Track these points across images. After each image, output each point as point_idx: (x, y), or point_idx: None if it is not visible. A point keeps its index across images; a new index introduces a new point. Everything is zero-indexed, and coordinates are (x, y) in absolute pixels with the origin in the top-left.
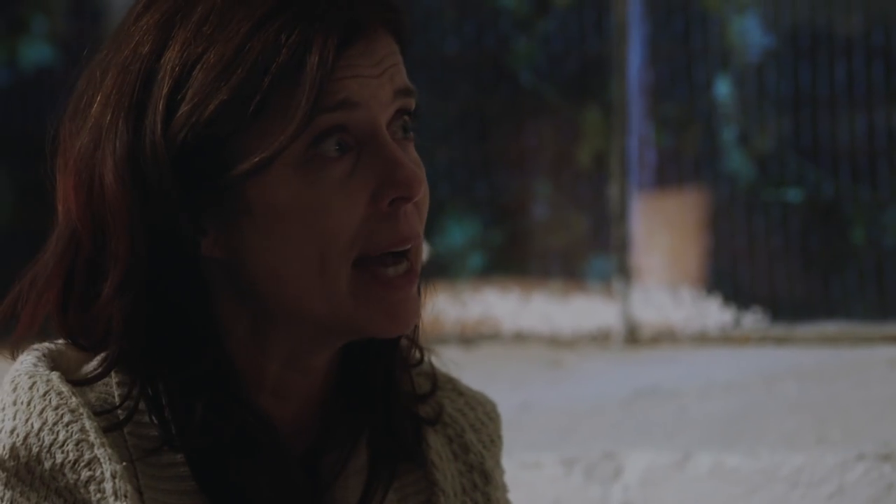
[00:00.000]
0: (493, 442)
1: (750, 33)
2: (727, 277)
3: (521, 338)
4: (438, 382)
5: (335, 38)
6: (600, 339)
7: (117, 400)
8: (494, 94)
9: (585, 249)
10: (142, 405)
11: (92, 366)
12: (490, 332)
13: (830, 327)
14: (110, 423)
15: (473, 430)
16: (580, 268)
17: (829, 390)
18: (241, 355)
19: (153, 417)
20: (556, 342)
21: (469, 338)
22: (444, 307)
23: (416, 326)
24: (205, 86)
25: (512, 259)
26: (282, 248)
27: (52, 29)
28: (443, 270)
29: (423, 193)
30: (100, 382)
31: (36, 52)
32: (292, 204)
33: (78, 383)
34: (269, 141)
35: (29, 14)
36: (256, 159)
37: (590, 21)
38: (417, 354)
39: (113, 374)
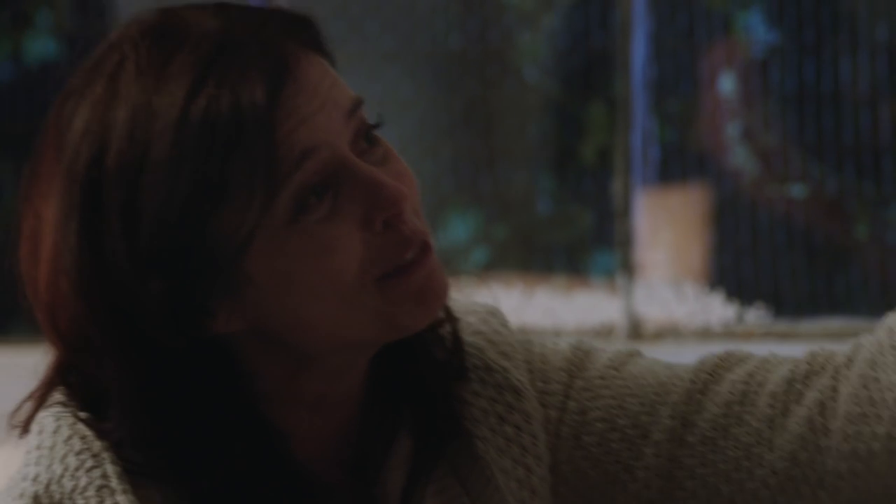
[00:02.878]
0: (514, 347)
1: (754, 29)
2: (730, 273)
3: (524, 333)
4: (454, 315)
5: (262, 91)
6: (603, 334)
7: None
8: (499, 89)
9: (589, 245)
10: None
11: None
12: None
13: (834, 323)
14: (158, 467)
15: (492, 344)
16: (584, 263)
17: None
18: (275, 398)
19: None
20: (559, 337)
21: None
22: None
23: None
24: (157, 189)
25: (516, 254)
26: (298, 302)
27: (56, 24)
28: (446, 265)
29: (411, 189)
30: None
31: (40, 46)
32: (290, 260)
33: (103, 432)
34: (244, 217)
35: (33, 9)
36: (239, 239)
37: (594, 17)
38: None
39: None
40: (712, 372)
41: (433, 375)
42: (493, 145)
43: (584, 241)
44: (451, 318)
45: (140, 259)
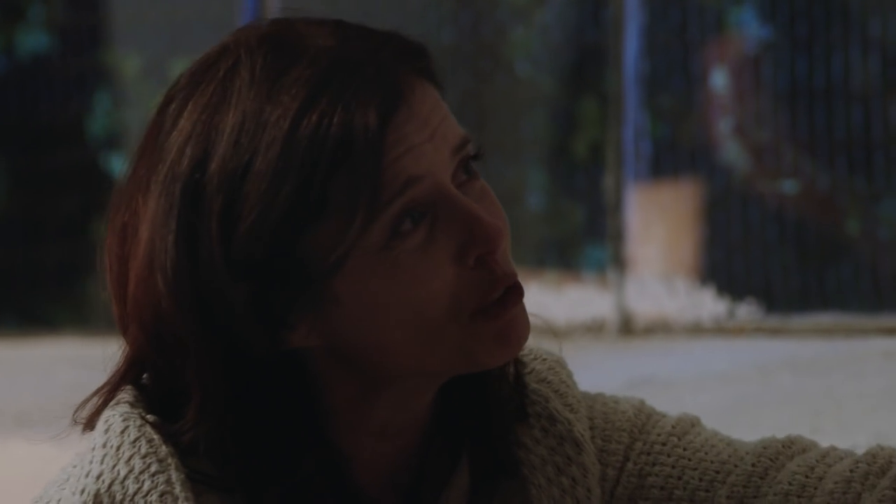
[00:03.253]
0: (579, 401)
1: (747, 24)
2: (722, 268)
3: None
4: (520, 359)
5: (375, 115)
6: (595, 329)
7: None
8: (492, 83)
9: (580, 240)
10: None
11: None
12: None
13: (825, 319)
14: (225, 483)
15: (558, 395)
16: (575, 258)
17: (823, 382)
18: (342, 419)
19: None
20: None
21: None
22: None
23: None
24: (259, 198)
25: None
26: (381, 327)
27: (48, 17)
28: None
29: (505, 228)
30: None
31: (32, 39)
32: (380, 285)
33: (179, 442)
34: (341, 235)
35: (26, 2)
36: (333, 258)
37: (587, 12)
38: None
39: None
40: (774, 458)
41: (496, 412)
42: (485, 140)
43: (576, 236)
44: (516, 359)
45: (233, 264)
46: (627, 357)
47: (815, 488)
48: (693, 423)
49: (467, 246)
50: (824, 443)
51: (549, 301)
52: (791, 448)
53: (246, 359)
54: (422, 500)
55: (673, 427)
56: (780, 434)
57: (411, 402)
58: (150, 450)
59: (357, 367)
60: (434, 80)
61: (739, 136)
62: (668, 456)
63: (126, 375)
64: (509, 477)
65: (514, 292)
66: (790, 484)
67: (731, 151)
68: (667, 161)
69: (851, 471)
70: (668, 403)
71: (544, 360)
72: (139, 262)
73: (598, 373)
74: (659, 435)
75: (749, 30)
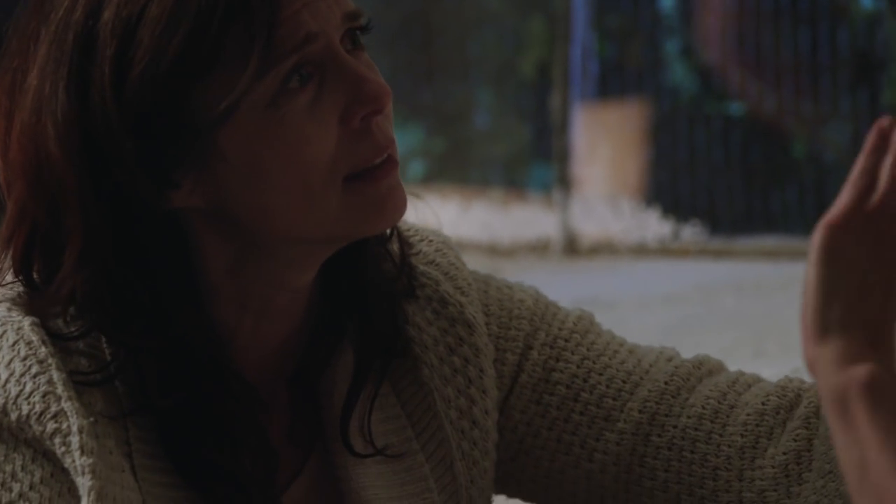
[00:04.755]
0: (469, 284)
1: None
2: (667, 190)
3: (460, 246)
4: (406, 240)
5: None
6: (539, 248)
7: (108, 355)
8: (439, 2)
9: (526, 159)
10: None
11: (68, 315)
12: None
13: (769, 241)
14: (104, 375)
15: (448, 278)
16: (521, 177)
17: (766, 304)
18: (221, 291)
19: (126, 380)
20: (495, 251)
21: None
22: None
23: None
24: (152, 43)
25: (453, 167)
26: (264, 186)
27: None
28: None
29: (389, 96)
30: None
31: None
32: (265, 142)
33: (61, 337)
34: (231, 86)
35: None
36: (221, 107)
37: None
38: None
39: None
40: (686, 378)
41: (380, 290)
42: (431, 58)
43: (522, 156)
44: (400, 237)
45: (123, 109)
46: (572, 277)
47: (728, 416)
48: (591, 322)
49: (354, 104)
50: (768, 364)
51: (494, 220)
52: (700, 369)
53: (128, 212)
54: (304, 382)
55: (574, 324)
56: (724, 354)
57: (290, 277)
58: (30, 352)
59: (236, 232)
60: None
61: (686, 57)
62: (573, 353)
63: (10, 239)
64: (400, 355)
65: (388, 163)
66: (703, 408)
67: (678, 73)
68: (614, 81)
69: (763, 403)
70: (612, 323)
71: (430, 241)
72: (26, 110)
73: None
74: (560, 329)
75: None
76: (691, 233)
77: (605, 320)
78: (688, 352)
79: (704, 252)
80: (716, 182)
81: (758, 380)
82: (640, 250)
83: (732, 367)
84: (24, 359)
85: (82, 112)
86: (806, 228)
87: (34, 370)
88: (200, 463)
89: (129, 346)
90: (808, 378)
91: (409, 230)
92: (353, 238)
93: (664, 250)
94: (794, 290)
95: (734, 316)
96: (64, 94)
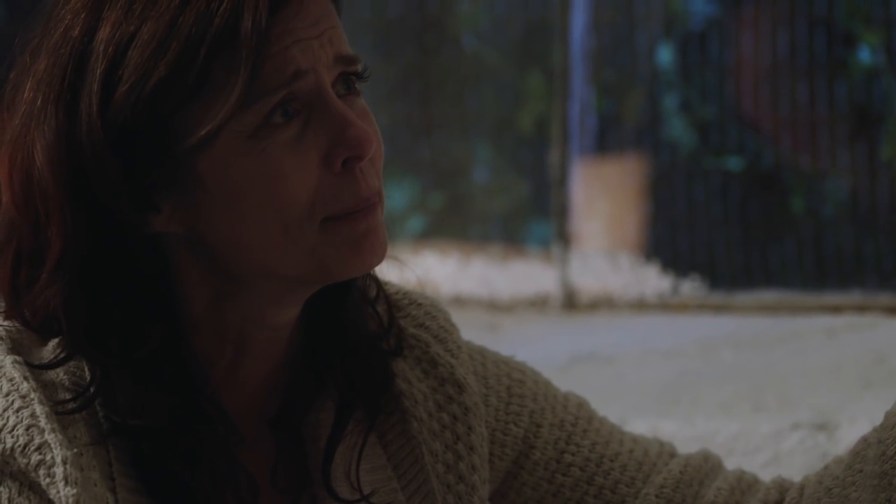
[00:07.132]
0: (460, 348)
1: (693, 1)
2: (666, 244)
3: (459, 301)
4: (395, 303)
5: (266, 3)
6: (538, 304)
7: (88, 378)
8: (437, 57)
9: (525, 214)
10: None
11: (50, 348)
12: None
13: (768, 296)
14: (84, 399)
15: (438, 340)
16: (520, 233)
17: (765, 359)
18: (202, 322)
19: (106, 402)
20: (494, 306)
21: None
22: (382, 269)
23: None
24: (141, 64)
25: (452, 223)
26: (240, 218)
27: None
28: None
29: (377, 147)
30: (71, 363)
31: None
32: (244, 173)
33: (41, 366)
34: (214, 113)
35: None
36: (203, 132)
37: None
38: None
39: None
40: (698, 469)
41: (363, 342)
42: (430, 113)
43: (521, 211)
44: (386, 297)
45: (108, 129)
46: (570, 332)
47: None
48: (589, 407)
49: (337, 147)
50: (767, 419)
51: (493, 275)
52: (708, 462)
53: (107, 228)
54: (287, 425)
55: (577, 409)
56: (723, 410)
57: (269, 313)
58: (12, 388)
59: (213, 263)
60: (336, 0)
61: (685, 112)
62: (582, 438)
63: (7, 245)
64: (381, 411)
65: (371, 207)
66: (715, 498)
67: (676, 128)
68: (612, 136)
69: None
70: (611, 379)
71: (420, 304)
72: (18, 121)
73: (541, 347)
74: (565, 412)
75: (695, 5)
76: (690, 288)
77: (604, 376)
78: (687, 406)
79: (703, 307)
80: (715, 237)
81: (755, 479)
82: (640, 305)
83: (731, 421)
84: (7, 395)
85: (69, 126)
86: (804, 283)
87: (17, 405)
88: (178, 490)
89: (103, 364)
90: (809, 430)
91: (397, 293)
92: (329, 279)
93: (663, 305)
94: (793, 344)
95: (733, 370)
96: (53, 108)
